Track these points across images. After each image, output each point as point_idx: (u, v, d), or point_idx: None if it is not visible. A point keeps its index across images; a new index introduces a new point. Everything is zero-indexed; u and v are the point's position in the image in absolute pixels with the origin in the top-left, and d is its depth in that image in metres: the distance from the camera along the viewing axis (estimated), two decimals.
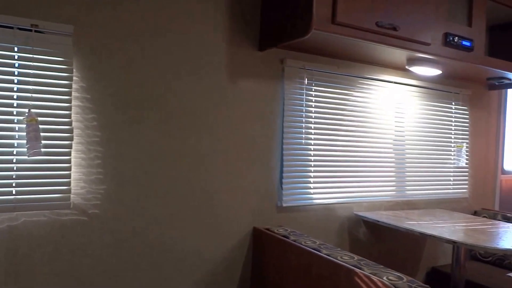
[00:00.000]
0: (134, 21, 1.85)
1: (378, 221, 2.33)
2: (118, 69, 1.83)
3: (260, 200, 2.20)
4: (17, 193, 1.65)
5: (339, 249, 1.83)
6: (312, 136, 2.32)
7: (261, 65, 2.17)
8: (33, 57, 1.65)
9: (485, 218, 2.71)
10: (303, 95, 2.28)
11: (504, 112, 3.31)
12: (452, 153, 2.95)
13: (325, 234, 2.40)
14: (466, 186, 3.03)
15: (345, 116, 2.43)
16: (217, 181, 2.08)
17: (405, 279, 1.46)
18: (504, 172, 3.37)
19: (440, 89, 2.85)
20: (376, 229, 2.58)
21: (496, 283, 2.49)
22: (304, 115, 2.29)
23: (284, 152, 2.23)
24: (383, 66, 2.57)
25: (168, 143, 1.95)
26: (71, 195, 1.75)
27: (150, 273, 1.93)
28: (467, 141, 3.02)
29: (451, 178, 2.95)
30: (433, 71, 2.43)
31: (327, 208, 2.41)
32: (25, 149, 1.63)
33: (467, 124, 3.02)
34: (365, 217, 2.43)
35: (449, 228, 2.20)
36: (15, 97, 1.63)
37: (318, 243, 1.90)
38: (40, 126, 1.66)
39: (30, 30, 1.63)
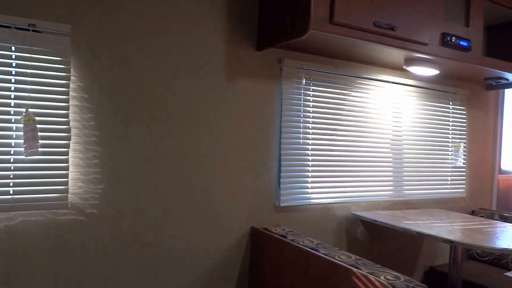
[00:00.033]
0: (132, 21, 1.85)
1: (376, 220, 2.34)
2: (116, 69, 1.83)
3: (258, 199, 2.20)
4: (15, 192, 1.65)
5: (336, 248, 1.83)
6: (310, 136, 2.32)
7: (259, 65, 2.17)
8: (30, 56, 1.65)
9: (482, 218, 2.72)
10: (301, 95, 2.28)
11: (502, 112, 3.32)
12: (450, 153, 2.96)
13: (323, 234, 2.40)
14: (464, 185, 3.04)
15: (343, 116, 2.44)
16: (215, 180, 2.08)
17: (402, 279, 1.47)
18: (501, 172, 3.38)
19: (438, 89, 2.86)
20: (373, 229, 2.58)
21: (493, 282, 2.49)
22: (302, 115, 2.29)
23: (282, 151, 2.23)
24: (381, 66, 2.57)
25: (165, 143, 1.95)
26: (69, 195, 1.75)
27: (148, 273, 1.93)
28: (465, 141, 3.03)
29: (449, 178, 2.96)
30: (431, 71, 2.44)
31: (325, 208, 2.41)
32: (23, 149, 1.63)
33: (465, 124, 3.03)
34: (363, 216, 2.44)
35: (446, 227, 2.21)
36: (12, 96, 1.63)
37: (315, 242, 1.90)
38: (38, 126, 1.66)
39: (28, 30, 1.63)
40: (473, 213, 3.05)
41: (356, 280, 1.52)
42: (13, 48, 1.62)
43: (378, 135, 2.59)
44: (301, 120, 2.29)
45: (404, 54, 2.21)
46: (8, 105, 1.62)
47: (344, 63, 2.43)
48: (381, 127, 2.60)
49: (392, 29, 1.99)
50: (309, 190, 2.33)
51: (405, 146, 2.72)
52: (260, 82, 2.18)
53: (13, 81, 1.63)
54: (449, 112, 2.94)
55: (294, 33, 1.86)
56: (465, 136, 3.03)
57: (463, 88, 2.98)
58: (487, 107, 3.19)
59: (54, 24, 1.68)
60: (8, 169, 1.63)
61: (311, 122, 2.32)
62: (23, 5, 1.63)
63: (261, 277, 2.09)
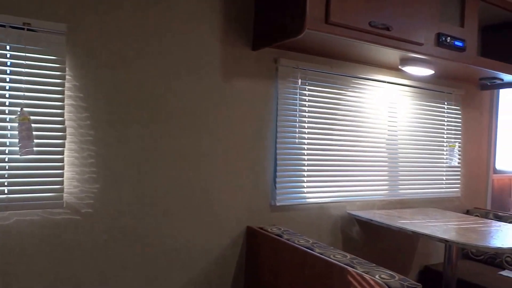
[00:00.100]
0: (129, 21, 1.85)
1: (371, 220, 2.34)
2: (113, 68, 1.82)
3: (253, 199, 2.20)
4: (9, 192, 1.64)
5: (332, 248, 1.84)
6: (306, 136, 2.33)
7: (255, 64, 2.18)
8: (25, 55, 1.64)
9: (477, 217, 2.73)
10: (297, 95, 2.29)
11: (496, 112, 3.34)
12: (445, 152, 2.97)
13: (318, 233, 2.41)
14: (459, 185, 3.06)
15: (338, 116, 2.44)
16: (210, 180, 2.08)
17: (397, 278, 1.47)
18: (496, 171, 3.40)
19: (433, 89, 2.87)
20: (369, 228, 2.59)
21: (487, 281, 2.51)
22: (298, 115, 2.29)
23: (277, 151, 2.24)
24: (377, 66, 2.58)
25: (161, 142, 1.95)
26: (64, 194, 1.74)
27: (143, 272, 1.93)
28: (460, 140, 3.05)
29: (444, 178, 2.97)
30: (426, 71, 2.45)
31: (321, 207, 2.42)
32: (18, 148, 1.63)
33: (460, 124, 3.05)
34: (358, 216, 2.44)
35: (441, 227, 2.22)
36: (7, 95, 1.62)
37: (311, 242, 1.91)
38: (33, 125, 1.65)
39: (23, 29, 1.63)
40: (468, 212, 3.06)
41: (351, 279, 1.53)
42: (8, 47, 1.61)
43: (374, 134, 2.60)
44: (297, 120, 2.29)
45: (399, 54, 2.22)
46: (3, 104, 1.62)
47: (339, 63, 2.44)
48: (377, 126, 2.61)
49: (388, 29, 1.99)
50: (305, 190, 2.34)
51: (400, 145, 2.73)
52: (256, 82, 2.18)
53: (8, 80, 1.62)
54: (444, 112, 2.95)
55: (290, 32, 1.86)
56: (460, 136, 3.05)
57: (458, 88, 2.99)
58: (482, 107, 3.21)
59: (50, 23, 1.67)
60: (3, 168, 1.63)
61: (307, 121, 2.33)
62: (18, 3, 1.62)
63: (257, 276, 2.10)
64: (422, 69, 2.39)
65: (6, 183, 1.63)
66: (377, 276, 1.48)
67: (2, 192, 1.63)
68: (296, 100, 2.29)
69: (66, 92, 1.73)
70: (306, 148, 2.33)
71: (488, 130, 3.26)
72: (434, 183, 2.92)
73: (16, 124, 1.62)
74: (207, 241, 2.08)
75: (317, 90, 2.36)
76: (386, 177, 2.67)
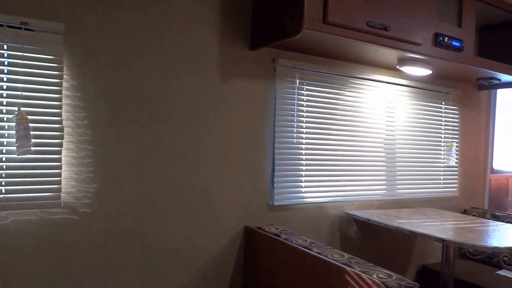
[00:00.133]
0: (129, 21, 1.84)
1: (369, 219, 2.35)
2: (110, 68, 1.82)
3: (251, 199, 2.20)
4: (7, 192, 1.64)
5: (330, 247, 1.84)
6: (304, 136, 2.33)
7: (253, 64, 2.18)
8: (22, 55, 1.64)
9: (474, 217, 2.74)
10: (295, 95, 2.29)
11: (494, 112, 3.35)
12: (442, 152, 2.98)
13: (316, 233, 2.41)
14: (456, 185, 3.07)
15: (336, 116, 2.45)
16: (210, 180, 2.08)
17: (394, 277, 1.48)
18: (493, 171, 3.41)
19: (431, 89, 2.88)
20: (366, 228, 2.60)
21: (485, 281, 2.51)
22: (295, 115, 2.30)
23: (275, 151, 2.24)
24: (374, 66, 2.58)
25: (159, 142, 1.94)
26: (62, 194, 1.74)
27: (140, 272, 1.93)
28: (457, 140, 3.06)
29: (441, 177, 2.98)
30: (424, 71, 2.45)
31: (318, 207, 2.42)
32: (15, 148, 1.62)
33: (457, 124, 3.05)
34: (356, 215, 2.45)
35: (438, 226, 2.22)
36: (4, 95, 1.62)
37: (309, 241, 1.91)
38: (30, 125, 1.65)
39: (20, 28, 1.62)
40: (465, 212, 3.07)
41: (349, 279, 1.53)
42: (5, 47, 1.61)
43: (372, 134, 2.60)
44: (295, 120, 2.29)
45: (397, 54, 2.22)
46: (0, 103, 1.61)
47: (337, 63, 2.44)
48: (375, 126, 2.61)
49: (385, 29, 2.00)
50: (303, 189, 2.34)
51: (398, 145, 2.74)
52: (254, 82, 2.18)
53: (5, 79, 1.62)
54: (441, 112, 2.96)
55: (288, 32, 1.86)
56: (457, 136, 3.06)
57: (455, 88, 3.00)
58: (479, 107, 3.22)
59: (47, 22, 1.67)
60: (0, 168, 1.62)
61: (305, 121, 2.33)
62: (15, 3, 1.62)
63: (254, 275, 2.10)
64: (420, 69, 2.40)
65: (3, 183, 1.63)
66: (374, 276, 1.48)
67: (0, 192, 1.62)
68: (294, 100, 2.29)
69: (64, 92, 1.73)
70: (304, 148, 2.33)
71: (486, 130, 3.27)
72: (431, 183, 2.92)
73: (14, 124, 1.62)
74: (206, 241, 2.08)
75: (315, 90, 2.36)
76: (384, 177, 2.68)
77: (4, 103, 1.62)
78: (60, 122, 1.72)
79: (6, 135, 1.63)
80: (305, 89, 2.32)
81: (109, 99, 1.83)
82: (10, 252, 1.66)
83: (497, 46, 2.81)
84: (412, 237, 2.80)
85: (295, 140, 2.30)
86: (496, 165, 3.46)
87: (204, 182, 2.06)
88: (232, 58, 2.11)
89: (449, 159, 2.99)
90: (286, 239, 1.93)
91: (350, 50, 2.22)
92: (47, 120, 1.69)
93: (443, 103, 2.96)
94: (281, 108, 2.25)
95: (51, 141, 1.71)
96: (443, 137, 2.97)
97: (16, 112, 1.62)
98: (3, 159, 1.63)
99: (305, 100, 2.33)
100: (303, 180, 2.34)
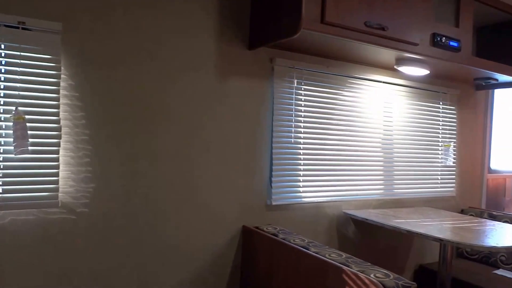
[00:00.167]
0: (126, 20, 1.84)
1: (367, 219, 2.35)
2: (108, 68, 1.82)
3: (249, 198, 2.20)
4: (4, 191, 1.63)
5: (327, 247, 1.85)
6: (302, 135, 2.33)
7: (251, 64, 2.18)
8: (20, 54, 1.63)
9: (471, 216, 2.75)
10: (293, 94, 2.29)
11: (491, 112, 3.35)
12: (440, 152, 2.98)
13: (314, 232, 2.41)
14: (454, 184, 3.07)
15: (334, 115, 2.45)
16: (206, 179, 2.08)
17: (392, 276, 1.48)
18: (490, 171, 3.42)
19: (428, 89, 2.88)
20: (364, 227, 2.60)
21: (482, 280, 2.52)
22: (293, 114, 2.30)
23: (273, 150, 2.24)
24: (372, 66, 2.59)
25: (157, 141, 1.94)
26: (59, 194, 1.74)
27: (138, 272, 1.93)
28: (455, 140, 3.06)
29: (439, 177, 2.99)
30: (421, 71, 2.46)
31: (316, 207, 2.42)
32: (12, 148, 1.62)
33: (455, 124, 3.06)
34: (354, 215, 2.45)
35: (436, 226, 2.23)
36: (1, 95, 1.62)
37: (306, 241, 1.91)
38: (28, 124, 1.65)
39: (17, 27, 1.62)
40: (462, 211, 3.08)
41: (347, 278, 1.53)
42: (2, 46, 1.61)
43: (369, 134, 2.60)
44: (293, 120, 2.30)
45: (395, 54, 2.22)
46: None
47: (335, 62, 2.44)
48: (372, 126, 2.62)
49: (383, 29, 2.00)
50: (301, 189, 2.34)
51: (395, 145, 2.74)
52: (252, 81, 2.18)
53: (2, 79, 1.61)
54: (439, 112, 2.96)
55: (285, 32, 1.86)
56: (455, 136, 3.06)
57: (453, 88, 3.01)
58: (476, 107, 3.23)
59: (45, 22, 1.66)
60: None
61: (302, 121, 2.33)
62: (13, 2, 1.62)
63: (252, 275, 2.10)
64: (418, 69, 2.40)
65: (1, 183, 1.62)
66: (372, 275, 1.48)
67: None
68: (292, 100, 2.29)
69: (61, 92, 1.73)
70: (302, 148, 2.33)
71: (483, 130, 3.28)
72: (429, 182, 2.93)
73: (11, 124, 1.62)
74: (204, 240, 2.08)
75: (313, 89, 2.36)
76: (382, 177, 2.68)
77: (2, 103, 1.62)
78: (57, 121, 1.72)
79: (3, 135, 1.62)
80: (303, 88, 2.33)
81: (106, 99, 1.82)
82: (8, 252, 1.65)
83: (494, 47, 2.82)
84: (409, 236, 2.81)
85: (293, 140, 2.30)
86: (494, 165, 3.47)
87: (202, 181, 2.06)
88: (230, 58, 2.12)
89: (446, 159, 3.00)
90: (284, 239, 1.93)
91: (348, 50, 2.22)
92: (44, 120, 1.69)
93: (441, 103, 2.96)
94: (279, 107, 2.25)
95: (49, 141, 1.70)
96: (440, 137, 2.98)
97: (13, 112, 1.62)
98: (1, 159, 1.62)
99: (303, 99, 2.33)
100: (301, 180, 2.34)
